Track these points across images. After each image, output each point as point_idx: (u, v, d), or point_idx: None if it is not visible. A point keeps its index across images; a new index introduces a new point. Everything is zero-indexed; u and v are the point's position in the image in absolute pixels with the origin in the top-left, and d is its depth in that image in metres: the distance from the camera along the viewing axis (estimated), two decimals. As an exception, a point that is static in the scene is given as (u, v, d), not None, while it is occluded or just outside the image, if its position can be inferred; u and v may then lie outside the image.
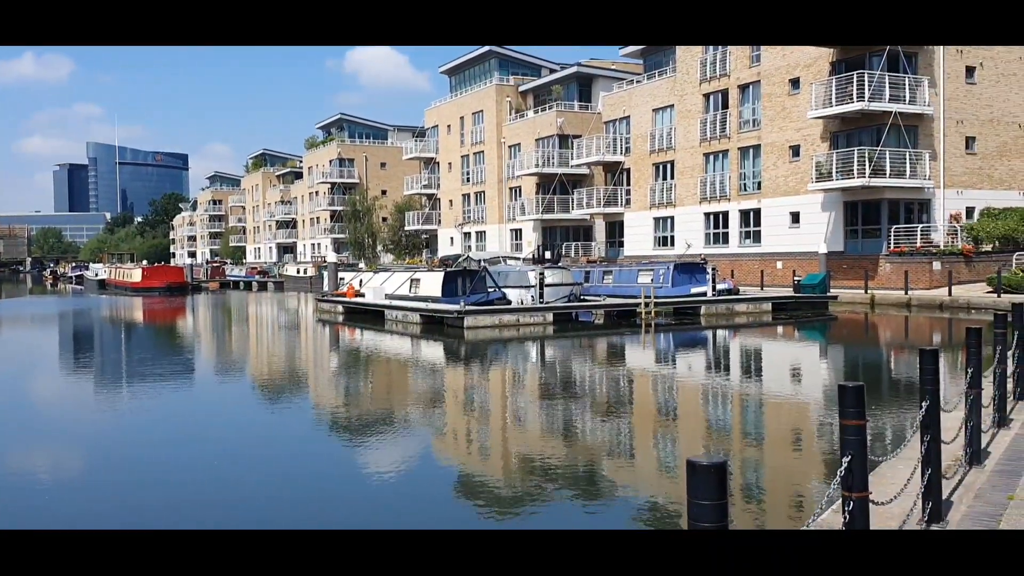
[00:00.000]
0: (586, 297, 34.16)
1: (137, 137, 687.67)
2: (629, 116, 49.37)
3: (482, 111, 60.65)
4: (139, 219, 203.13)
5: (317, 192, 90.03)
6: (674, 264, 34.61)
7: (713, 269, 34.09)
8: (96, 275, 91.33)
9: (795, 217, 39.14)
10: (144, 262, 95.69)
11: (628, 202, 49.35)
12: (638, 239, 48.39)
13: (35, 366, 25.05)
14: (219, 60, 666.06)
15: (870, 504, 5.65)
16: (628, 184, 49.50)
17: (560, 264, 36.78)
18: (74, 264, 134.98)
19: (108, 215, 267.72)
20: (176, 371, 23.30)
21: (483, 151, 60.78)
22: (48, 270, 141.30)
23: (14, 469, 11.61)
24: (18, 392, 19.68)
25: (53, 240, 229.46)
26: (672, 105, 46.20)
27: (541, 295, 31.37)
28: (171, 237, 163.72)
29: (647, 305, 30.41)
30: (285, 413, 16.57)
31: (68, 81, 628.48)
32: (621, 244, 50.37)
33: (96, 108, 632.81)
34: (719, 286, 33.81)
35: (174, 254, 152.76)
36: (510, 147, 58.16)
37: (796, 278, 35.43)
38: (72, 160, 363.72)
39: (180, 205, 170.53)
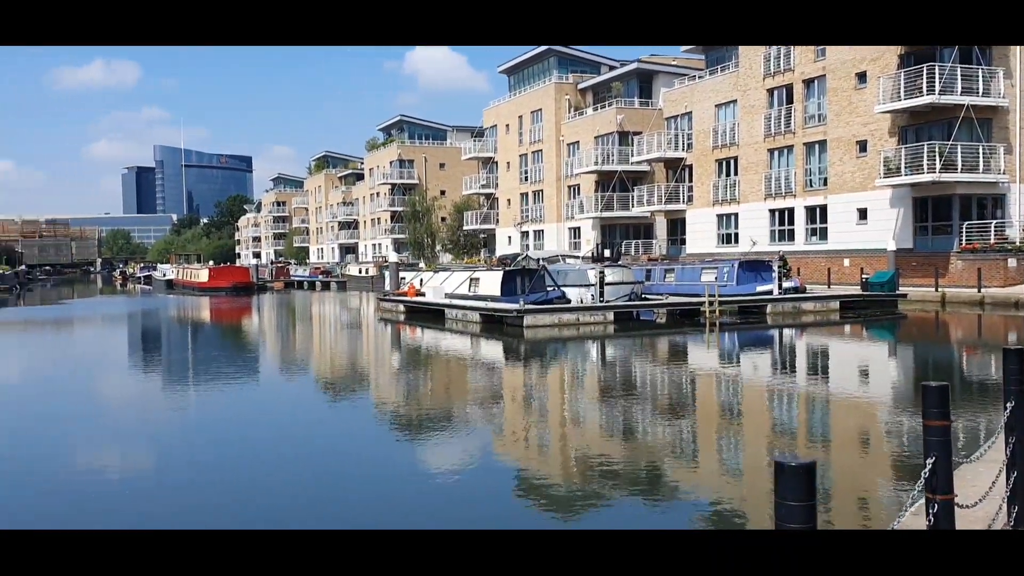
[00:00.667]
0: (647, 296, 33.84)
1: (202, 140, 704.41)
2: (691, 112, 48.80)
3: (541, 109, 60.55)
4: (205, 220, 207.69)
5: (378, 193, 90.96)
6: (739, 262, 34.09)
7: (787, 267, 33.50)
8: (164, 275, 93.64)
9: (862, 214, 38.25)
10: (210, 262, 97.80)
11: (690, 199, 48.79)
12: (701, 236, 47.81)
13: (108, 365, 25.73)
14: (281, 63, 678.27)
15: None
16: (690, 181, 48.94)
17: (620, 262, 36.50)
18: (143, 265, 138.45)
19: (175, 216, 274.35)
20: (243, 369, 23.71)
21: (541, 150, 60.68)
22: (117, 271, 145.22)
23: (82, 468, 11.87)
24: (91, 391, 20.20)
25: (122, 241, 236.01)
26: (735, 100, 45.53)
27: (601, 294, 31.17)
28: (236, 238, 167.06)
29: (711, 304, 29.99)
30: (348, 411, 16.72)
31: (135, 86, 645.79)
32: (683, 242, 49.82)
33: (162, 112, 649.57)
34: (785, 284, 33.22)
35: (239, 255, 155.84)
36: (569, 145, 57.96)
37: (864, 276, 34.64)
38: (140, 163, 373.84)
39: (245, 207, 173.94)
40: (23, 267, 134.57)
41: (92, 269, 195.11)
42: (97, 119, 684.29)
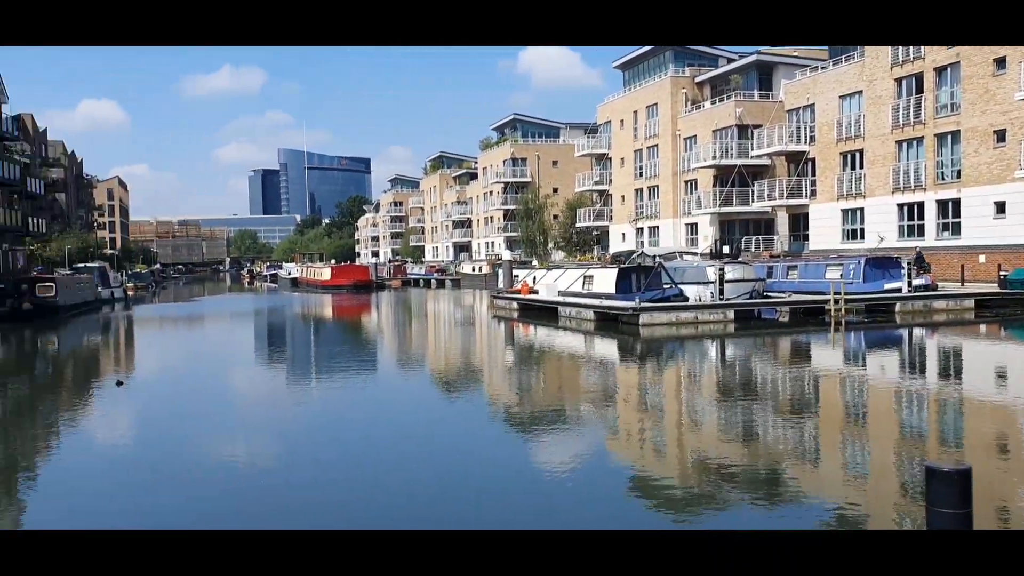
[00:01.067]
0: (769, 294, 32.87)
1: (323, 142, 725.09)
2: (813, 104, 47.15)
3: (656, 104, 59.71)
4: (326, 221, 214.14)
5: (491, 192, 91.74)
6: (865, 258, 32.74)
7: (925, 264, 31.95)
8: (289, 274, 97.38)
9: (1000, 207, 36.08)
10: (332, 261, 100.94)
11: (813, 193, 47.15)
12: (824, 232, 46.15)
13: (238, 361, 26.75)
14: (398, 65, 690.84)
15: None
16: (813, 175, 47.29)
17: (740, 259, 35.59)
18: (268, 264, 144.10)
19: (298, 217, 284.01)
20: (364, 365, 24.25)
21: (657, 144, 59.84)
22: (245, 269, 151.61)
23: (212, 465, 12.27)
24: (221, 388, 21.01)
25: (249, 241, 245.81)
26: (860, 91, 43.71)
27: (721, 291, 30.44)
28: (356, 237, 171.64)
29: (836, 302, 28.86)
30: (467, 409, 16.82)
31: (260, 91, 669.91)
32: (806, 238, 48.20)
33: (286, 116, 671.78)
34: (915, 281, 31.68)
35: (358, 253, 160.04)
36: (685, 139, 56.93)
37: (1002, 273, 32.70)
38: (265, 166, 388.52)
39: (364, 207, 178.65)
40: (158, 266, 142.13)
41: (221, 268, 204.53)
42: (225, 123, 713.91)
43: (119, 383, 19.36)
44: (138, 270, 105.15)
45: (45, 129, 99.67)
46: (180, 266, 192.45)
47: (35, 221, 63.53)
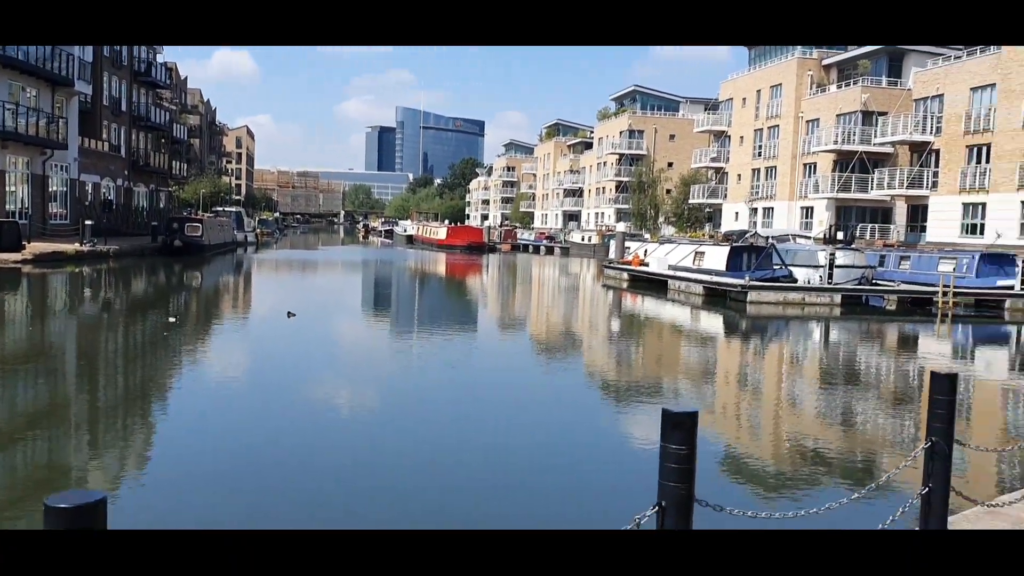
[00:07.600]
0: (879, 282, 33.17)
1: (441, 103, 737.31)
2: (943, 94, 46.28)
3: (781, 84, 59.34)
4: (438, 181, 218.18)
5: (605, 163, 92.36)
6: (981, 254, 32.61)
7: None
8: (405, 231, 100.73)
9: None
10: (446, 221, 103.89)
11: (935, 185, 46.48)
12: (943, 225, 45.53)
13: (366, 301, 29.00)
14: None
15: None
16: (936, 166, 46.58)
17: (853, 246, 35.84)
18: (384, 219, 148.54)
19: (411, 176, 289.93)
20: (471, 319, 26.03)
21: (778, 125, 59.55)
22: (360, 223, 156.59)
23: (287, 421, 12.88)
24: (317, 334, 23.11)
25: (363, 196, 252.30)
26: (994, 84, 42.76)
27: (830, 276, 30.99)
28: (467, 199, 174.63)
29: (945, 294, 29.11)
30: (562, 375, 17.96)
31: (384, 48, 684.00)
32: (923, 229, 47.61)
33: (408, 74, 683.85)
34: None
35: (468, 216, 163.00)
36: (808, 122, 56.54)
37: None
38: (382, 123, 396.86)
39: (476, 170, 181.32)
40: (278, 214, 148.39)
41: (336, 220, 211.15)
42: (349, 80, 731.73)
43: (290, 314, 21.60)
44: (265, 217, 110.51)
45: (186, 78, 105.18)
46: (298, 216, 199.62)
47: (177, 165, 68.00)
